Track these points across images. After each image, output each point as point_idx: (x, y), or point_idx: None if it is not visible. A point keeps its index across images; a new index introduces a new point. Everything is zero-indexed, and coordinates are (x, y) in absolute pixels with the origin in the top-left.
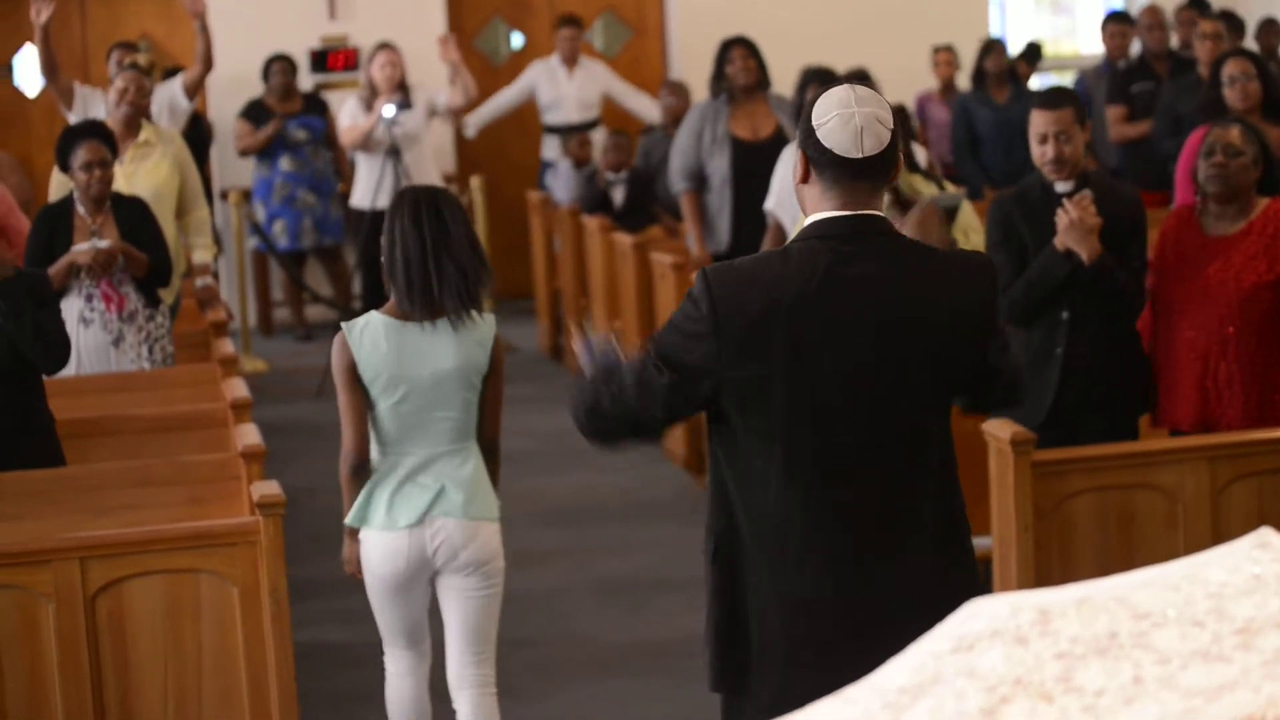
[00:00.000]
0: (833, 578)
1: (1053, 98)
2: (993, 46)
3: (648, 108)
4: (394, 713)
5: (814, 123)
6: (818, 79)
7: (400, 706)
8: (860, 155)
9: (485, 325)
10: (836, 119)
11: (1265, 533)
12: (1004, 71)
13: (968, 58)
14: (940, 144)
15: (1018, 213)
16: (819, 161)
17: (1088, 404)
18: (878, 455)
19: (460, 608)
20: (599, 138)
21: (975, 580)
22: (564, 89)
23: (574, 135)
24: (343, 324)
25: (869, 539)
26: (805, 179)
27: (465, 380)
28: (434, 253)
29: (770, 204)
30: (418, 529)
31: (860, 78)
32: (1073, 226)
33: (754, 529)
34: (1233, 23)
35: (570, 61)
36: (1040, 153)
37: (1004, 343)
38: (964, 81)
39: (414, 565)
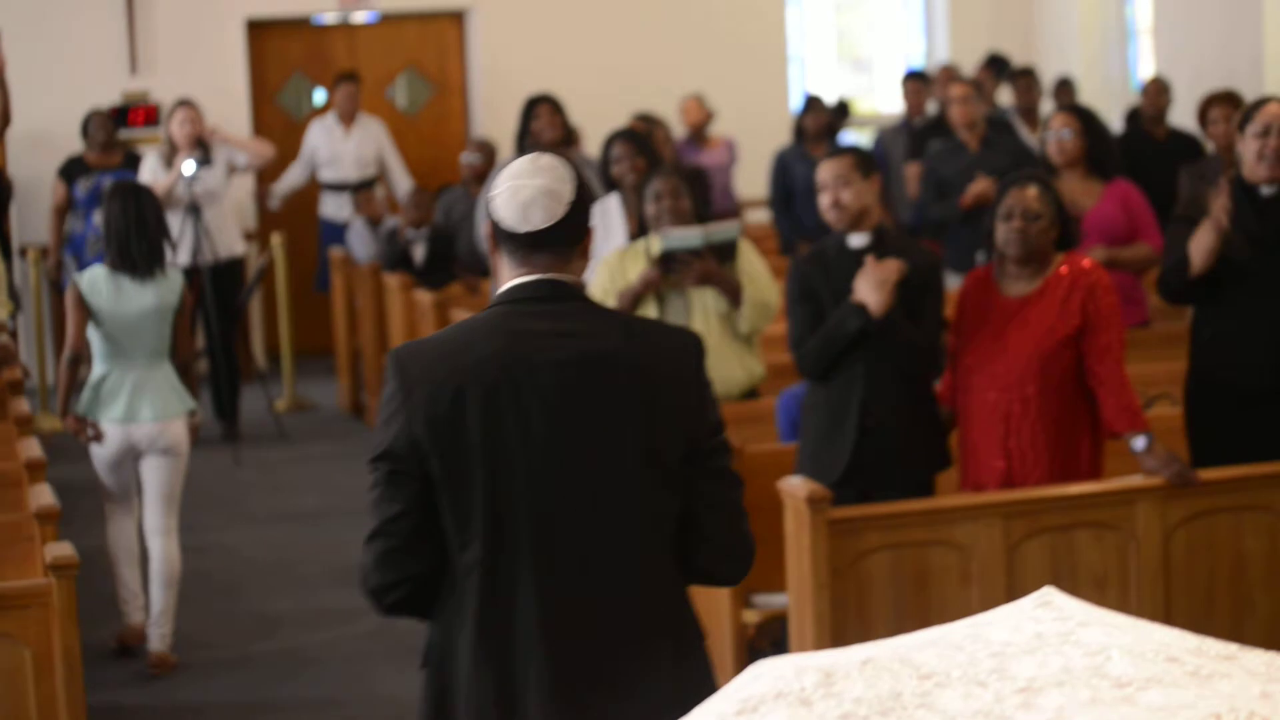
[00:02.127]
0: (546, 686)
1: (833, 150)
2: (812, 104)
3: (400, 185)
4: (115, 548)
5: (491, 194)
6: (620, 137)
7: (119, 543)
8: (526, 229)
9: (174, 278)
10: (507, 191)
11: (1048, 591)
12: (822, 128)
13: (771, 112)
14: None
15: (815, 269)
16: (497, 232)
17: (884, 461)
18: (584, 537)
19: (155, 479)
20: (386, 191)
21: (706, 670)
22: (340, 146)
23: (359, 193)
24: (76, 274)
25: (582, 640)
26: (493, 248)
27: (160, 315)
28: (135, 229)
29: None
30: (126, 423)
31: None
32: (866, 278)
33: (464, 631)
34: (1031, 80)
35: (348, 118)
36: (821, 202)
37: (722, 451)
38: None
39: (123, 448)
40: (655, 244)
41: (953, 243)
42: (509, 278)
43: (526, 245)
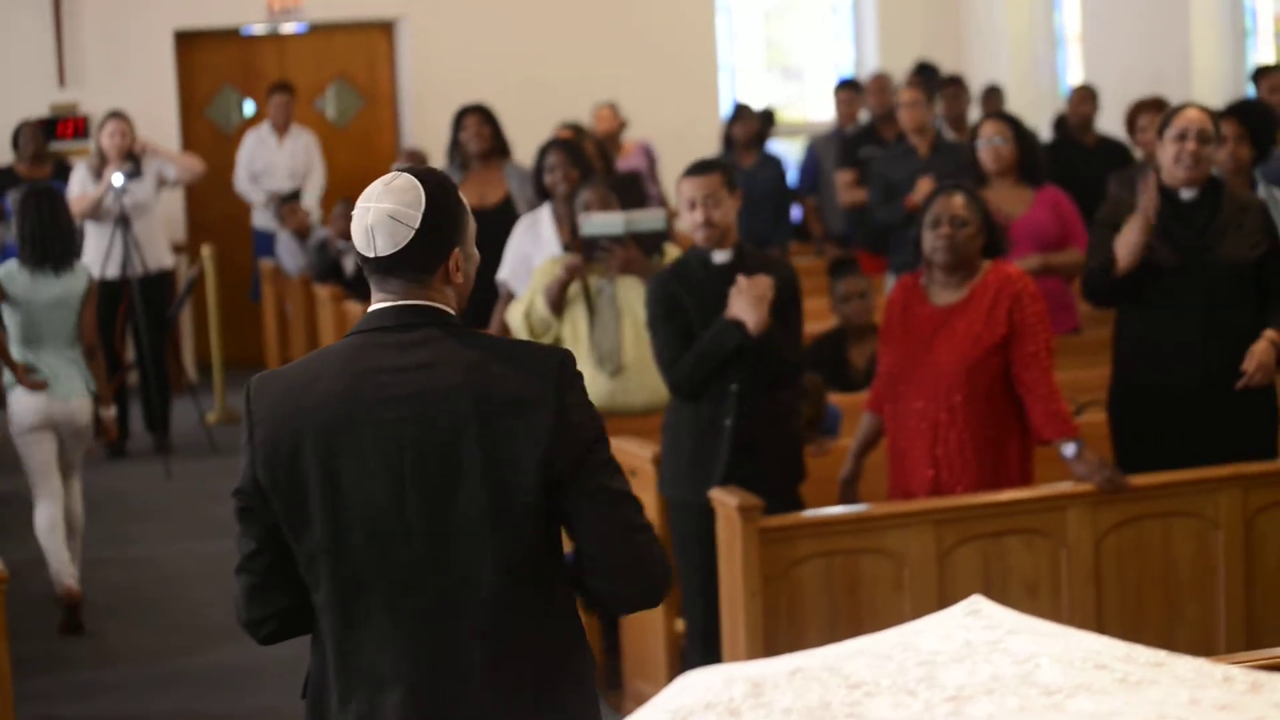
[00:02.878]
0: None
1: (700, 166)
2: (740, 113)
3: (313, 194)
4: (41, 526)
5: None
6: (553, 147)
7: (45, 521)
8: (372, 254)
9: (80, 272)
10: (356, 215)
11: (976, 600)
12: (751, 136)
13: (701, 121)
14: None
15: (679, 286)
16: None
17: (756, 476)
18: (431, 580)
19: (69, 449)
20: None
21: (582, 710)
22: (274, 156)
23: (284, 205)
24: None
25: (437, 681)
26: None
27: (68, 306)
28: (47, 228)
29: (503, 274)
30: (43, 401)
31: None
32: (741, 295)
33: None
34: (960, 89)
35: (281, 128)
36: (690, 219)
37: (599, 470)
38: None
39: (42, 418)
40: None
41: (897, 248)
42: (373, 301)
43: (377, 270)
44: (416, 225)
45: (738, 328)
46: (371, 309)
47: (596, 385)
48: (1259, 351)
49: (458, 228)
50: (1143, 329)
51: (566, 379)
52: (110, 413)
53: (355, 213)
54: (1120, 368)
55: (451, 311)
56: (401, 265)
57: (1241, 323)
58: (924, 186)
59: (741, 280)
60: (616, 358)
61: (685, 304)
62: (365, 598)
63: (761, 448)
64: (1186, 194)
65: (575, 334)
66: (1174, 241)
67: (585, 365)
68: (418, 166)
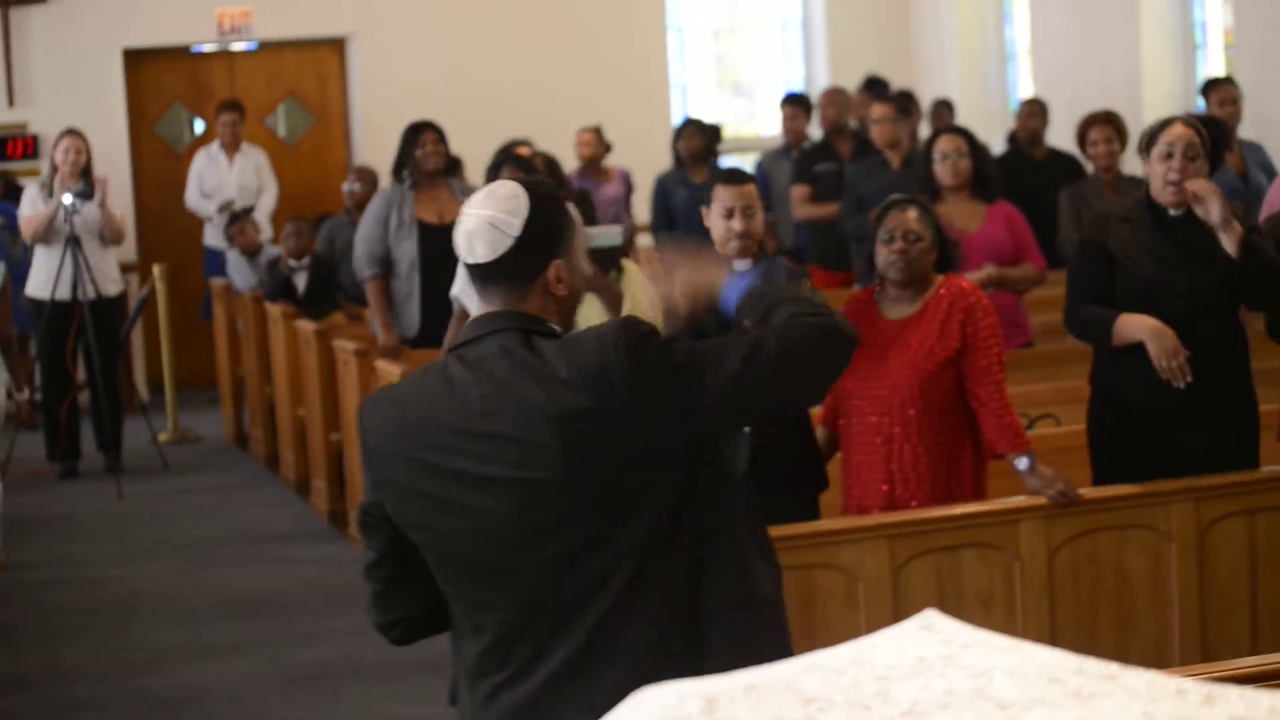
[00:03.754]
0: None
1: (737, 174)
2: (685, 128)
3: (265, 211)
4: None
5: None
6: (506, 160)
7: None
8: (471, 261)
9: None
10: (460, 219)
11: (929, 614)
12: (697, 151)
13: (653, 139)
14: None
15: None
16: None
17: (775, 483)
18: (563, 587)
19: None
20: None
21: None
22: (225, 174)
23: (233, 224)
24: None
25: (565, 688)
26: None
27: None
28: None
29: (455, 290)
30: None
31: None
32: None
33: (462, 672)
34: (909, 103)
35: (231, 147)
36: (726, 229)
37: (712, 363)
38: (649, 164)
39: None
40: None
41: (864, 260)
42: (474, 310)
43: (477, 278)
44: (516, 234)
45: None
46: (471, 319)
47: None
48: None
49: (561, 239)
50: (1125, 346)
51: (632, 353)
52: (23, 396)
53: (461, 218)
54: (1099, 380)
55: (545, 320)
56: (499, 273)
57: (1224, 339)
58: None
59: None
60: None
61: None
62: (495, 604)
63: (781, 454)
64: (1175, 212)
65: None
66: (1157, 258)
67: None
68: (527, 176)
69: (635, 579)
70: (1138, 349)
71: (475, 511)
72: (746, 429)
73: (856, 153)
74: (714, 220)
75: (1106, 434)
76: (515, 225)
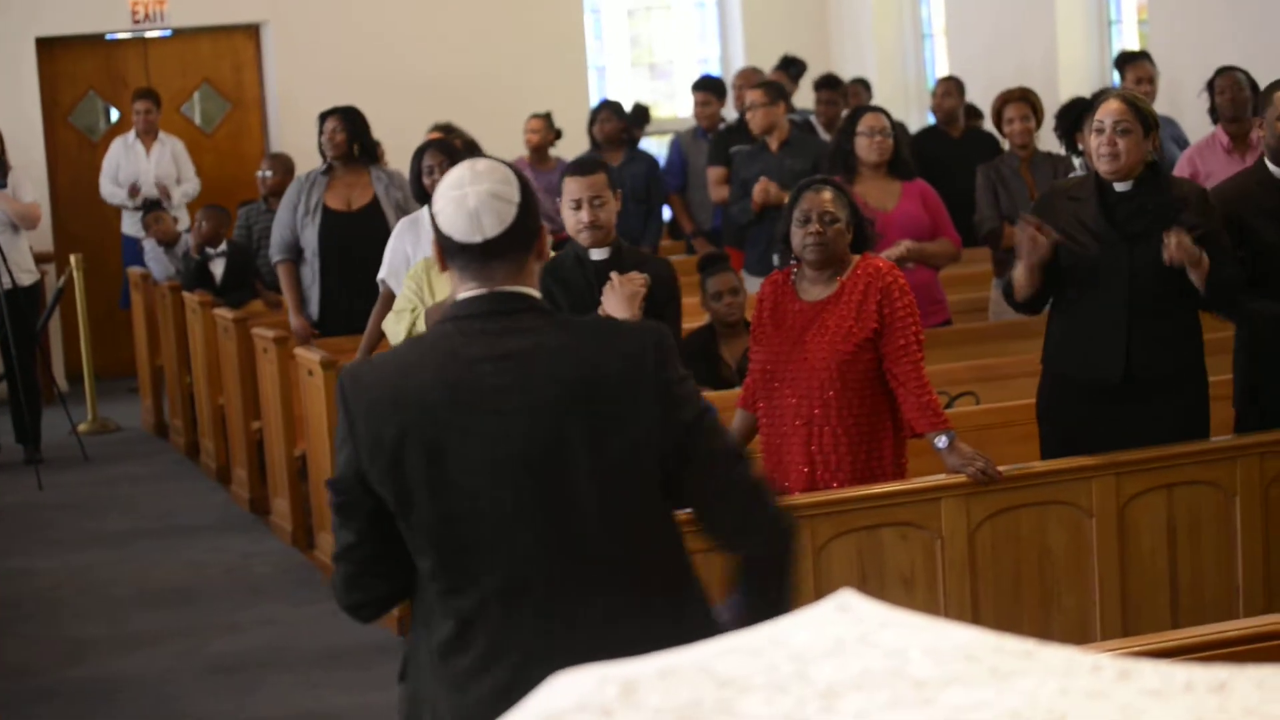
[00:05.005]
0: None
1: (585, 165)
2: (600, 111)
3: (181, 200)
4: None
5: (434, 209)
6: (432, 148)
7: None
8: (482, 239)
9: None
10: (451, 203)
11: (845, 594)
12: (612, 134)
13: (569, 122)
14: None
15: (554, 284)
16: (448, 249)
17: None
18: (559, 554)
19: None
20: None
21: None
22: (141, 164)
23: (149, 214)
24: None
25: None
26: (444, 266)
27: None
28: None
29: (383, 274)
30: None
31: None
32: (613, 292)
33: (429, 650)
34: (833, 84)
35: (147, 136)
36: (574, 218)
37: (708, 434)
38: (565, 147)
39: None
40: None
41: (753, 246)
42: (460, 290)
43: (482, 256)
44: (519, 200)
45: None
46: (464, 296)
47: None
48: (1179, 237)
49: (538, 205)
50: (1069, 321)
51: (662, 356)
52: None
53: (447, 201)
54: (1048, 358)
55: (539, 296)
56: (508, 245)
57: (1170, 316)
58: (758, 189)
59: (614, 277)
60: None
61: (560, 302)
62: (480, 580)
63: None
64: (1120, 186)
65: None
66: (1099, 234)
67: None
68: (450, 159)
69: (624, 562)
70: (1081, 325)
71: (472, 487)
72: None
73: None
74: (565, 211)
75: (1052, 411)
76: (514, 192)
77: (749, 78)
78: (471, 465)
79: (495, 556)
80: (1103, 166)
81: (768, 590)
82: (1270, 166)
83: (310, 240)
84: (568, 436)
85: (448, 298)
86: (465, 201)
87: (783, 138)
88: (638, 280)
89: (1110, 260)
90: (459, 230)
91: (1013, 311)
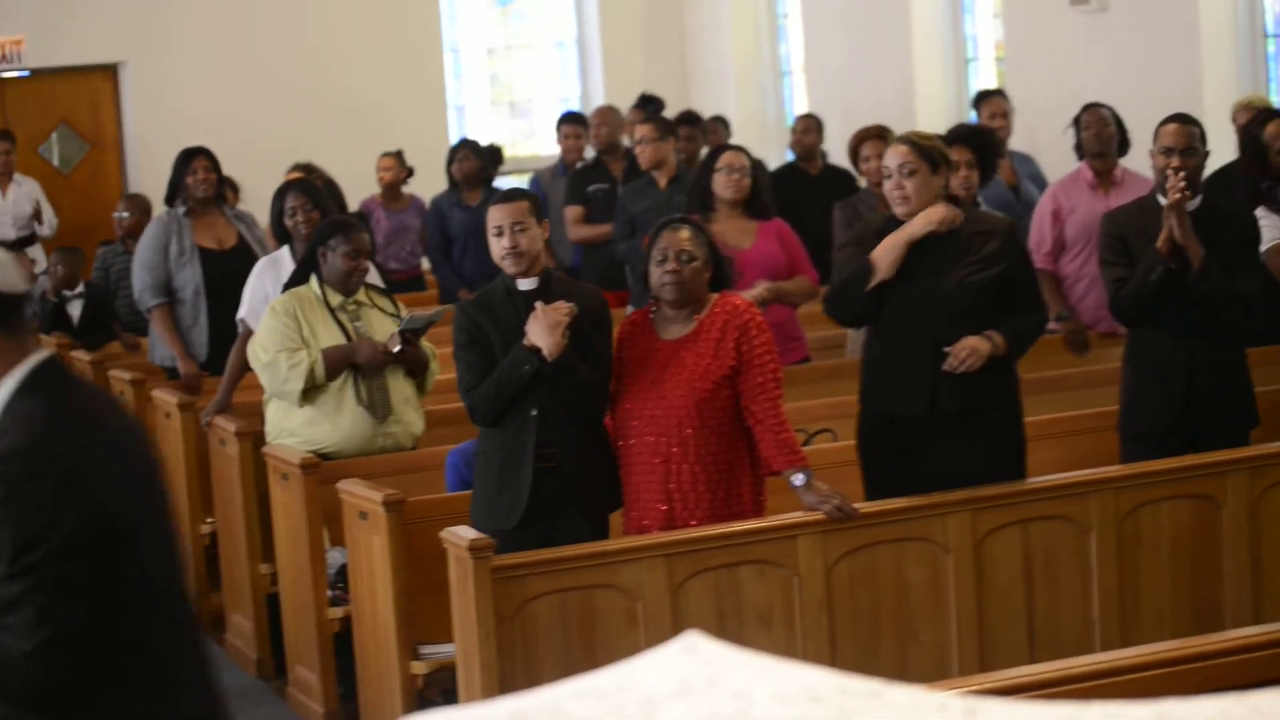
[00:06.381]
0: None
1: (509, 193)
2: (459, 150)
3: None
4: None
5: None
6: (293, 189)
7: None
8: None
9: None
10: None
11: (692, 636)
12: (471, 173)
13: (430, 161)
14: (386, 249)
15: (483, 315)
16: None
17: (563, 502)
18: None
19: None
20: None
21: None
22: None
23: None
24: None
25: None
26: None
27: None
28: None
29: (243, 313)
30: None
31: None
32: (537, 320)
33: None
34: (692, 122)
35: (3, 177)
36: (498, 246)
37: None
38: (425, 186)
39: None
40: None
41: (639, 282)
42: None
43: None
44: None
45: (533, 353)
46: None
47: (360, 428)
48: (972, 341)
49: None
50: (877, 358)
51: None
52: None
53: None
54: (861, 396)
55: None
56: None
57: None
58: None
59: (538, 306)
60: (386, 404)
61: (488, 331)
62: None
63: (567, 473)
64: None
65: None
66: (904, 271)
67: (348, 410)
68: (310, 198)
69: None
70: (888, 360)
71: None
72: (530, 447)
73: (629, 172)
74: (490, 241)
75: (868, 448)
76: None
77: (607, 116)
78: None
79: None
80: (895, 210)
81: None
82: (1158, 195)
83: (190, 281)
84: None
85: (358, 340)
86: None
87: (671, 174)
88: (562, 309)
89: (914, 296)
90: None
91: None
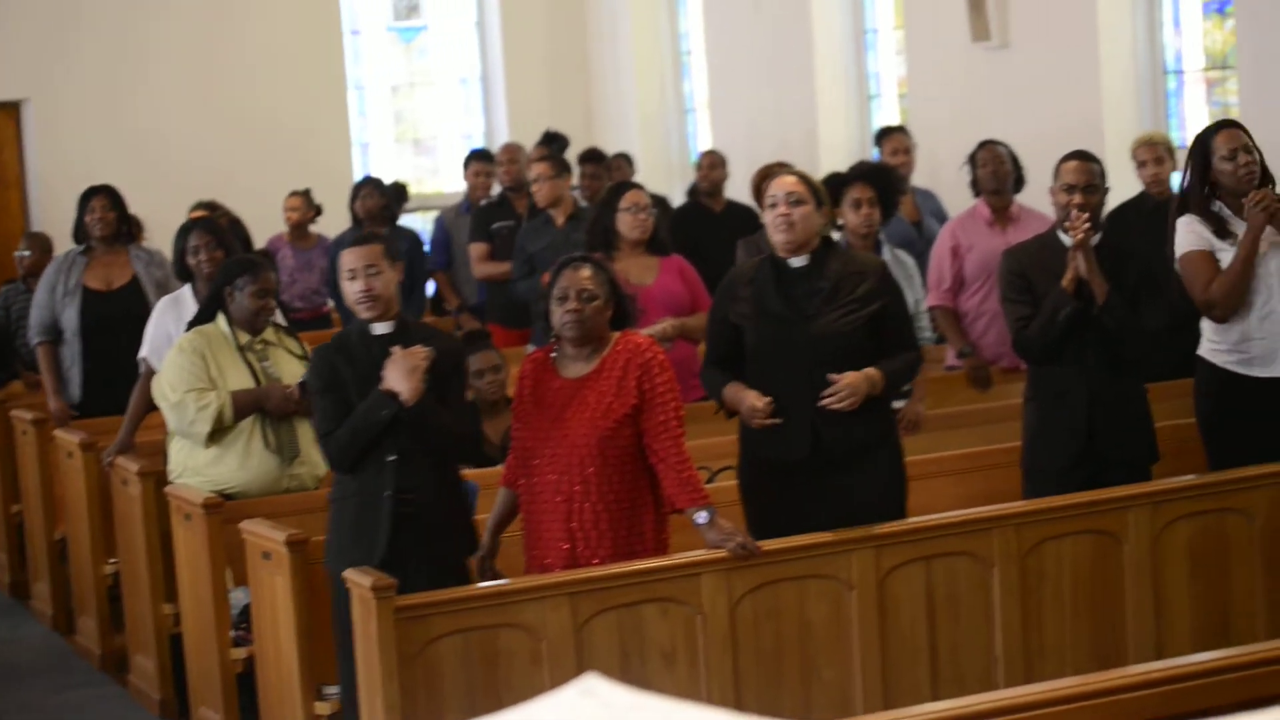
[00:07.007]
0: None
1: (361, 238)
2: (362, 187)
3: None
4: None
5: None
6: (197, 228)
7: None
8: None
9: None
10: None
11: (590, 679)
12: (373, 211)
13: (334, 198)
14: (292, 288)
15: (339, 358)
16: None
17: (420, 547)
18: None
19: None
20: None
21: None
22: None
23: None
24: None
25: None
26: None
27: None
28: None
29: (144, 352)
30: None
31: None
32: (395, 366)
33: None
34: (596, 159)
35: None
36: (351, 290)
37: None
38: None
39: None
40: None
41: (540, 320)
42: None
43: None
44: None
45: (391, 399)
46: None
47: (266, 469)
48: (850, 378)
49: None
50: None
51: None
52: None
53: None
54: (741, 440)
55: None
56: None
57: None
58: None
59: (396, 351)
60: (294, 446)
61: (345, 376)
62: None
63: (426, 519)
64: (796, 262)
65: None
66: (775, 315)
67: (255, 452)
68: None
69: None
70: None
71: None
72: (388, 492)
73: (533, 209)
74: (343, 284)
75: (749, 490)
76: None
77: (514, 153)
78: None
79: None
80: (778, 238)
81: None
82: (1059, 232)
83: (70, 321)
84: None
85: (269, 386)
86: None
87: (568, 211)
88: (419, 354)
89: (787, 339)
90: None
91: None
